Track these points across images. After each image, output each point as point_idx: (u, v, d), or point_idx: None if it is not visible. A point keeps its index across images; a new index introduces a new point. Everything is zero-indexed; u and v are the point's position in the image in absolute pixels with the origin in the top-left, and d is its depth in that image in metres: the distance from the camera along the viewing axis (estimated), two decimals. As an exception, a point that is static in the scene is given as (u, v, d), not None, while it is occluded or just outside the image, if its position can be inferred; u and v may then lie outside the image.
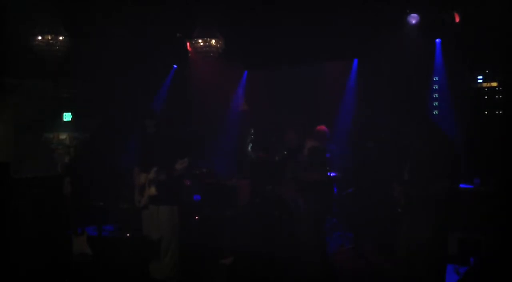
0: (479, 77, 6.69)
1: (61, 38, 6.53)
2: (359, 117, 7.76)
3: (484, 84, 6.66)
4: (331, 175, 5.71)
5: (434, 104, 7.05)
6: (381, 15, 6.72)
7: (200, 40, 6.98)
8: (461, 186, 5.71)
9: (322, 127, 5.65)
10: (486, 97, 6.64)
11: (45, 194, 5.96)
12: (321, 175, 5.14)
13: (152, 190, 5.08)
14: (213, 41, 6.97)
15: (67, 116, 9.24)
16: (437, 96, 7.09)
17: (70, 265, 5.35)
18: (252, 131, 9.04)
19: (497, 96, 6.57)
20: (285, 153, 5.52)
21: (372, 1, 6.52)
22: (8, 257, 5.49)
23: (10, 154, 6.37)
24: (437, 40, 7.06)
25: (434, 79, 7.12)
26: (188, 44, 8.42)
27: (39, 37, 6.46)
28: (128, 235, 6.72)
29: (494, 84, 6.60)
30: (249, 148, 9.00)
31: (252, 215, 7.41)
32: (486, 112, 6.61)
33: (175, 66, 9.65)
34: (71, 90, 9.20)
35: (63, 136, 9.16)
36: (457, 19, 6.46)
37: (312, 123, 6.46)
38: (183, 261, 5.29)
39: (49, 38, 6.46)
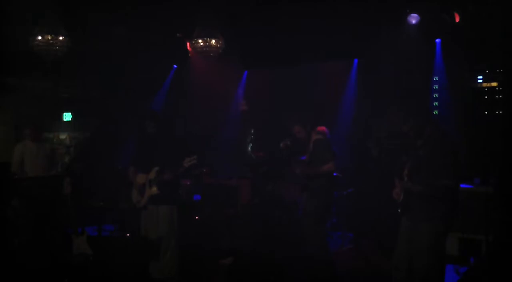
0: (479, 77, 6.68)
1: (61, 38, 6.53)
2: (359, 117, 7.76)
3: (484, 84, 6.66)
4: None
5: (434, 104, 7.05)
6: (381, 15, 6.73)
7: (200, 40, 6.99)
8: (461, 186, 5.71)
9: (322, 128, 5.65)
10: (486, 97, 6.64)
11: (45, 194, 5.96)
12: (331, 166, 5.12)
13: (154, 190, 5.08)
14: (213, 41, 6.97)
15: (67, 116, 9.25)
16: (437, 96, 7.09)
17: (70, 265, 5.35)
18: (252, 131, 9.05)
19: (497, 96, 6.57)
20: (287, 146, 5.46)
21: (373, 1, 6.52)
22: (8, 257, 5.49)
23: (10, 154, 6.38)
24: (437, 40, 7.06)
25: (434, 79, 7.12)
26: (188, 44, 8.42)
27: (39, 37, 6.46)
28: (128, 235, 6.72)
29: (494, 84, 6.59)
30: (249, 148, 9.00)
31: (252, 215, 7.41)
32: (486, 112, 6.61)
33: (175, 66, 9.65)
34: (71, 90, 9.21)
35: (63, 136, 9.17)
36: (457, 19, 6.46)
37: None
38: (183, 261, 5.30)
39: (49, 38, 6.46)
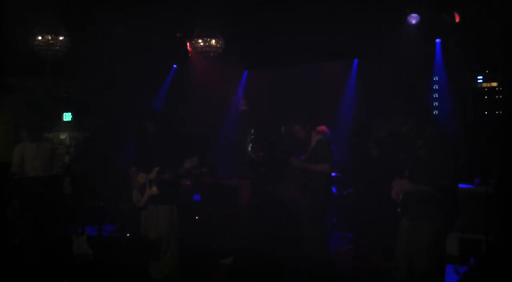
0: (479, 77, 6.69)
1: (61, 38, 6.54)
2: (359, 117, 7.76)
3: (484, 84, 6.66)
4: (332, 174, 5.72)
5: (434, 104, 7.05)
6: (381, 15, 6.72)
7: (200, 40, 7.00)
8: (461, 186, 5.71)
9: (322, 127, 5.66)
10: (486, 97, 6.64)
11: (45, 194, 5.96)
12: (327, 167, 5.13)
13: (153, 190, 5.09)
14: (213, 41, 6.98)
15: (67, 116, 9.25)
16: (437, 96, 7.09)
17: (70, 265, 5.35)
18: (252, 131, 9.05)
19: (497, 96, 6.57)
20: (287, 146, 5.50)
21: (373, 1, 6.52)
22: (8, 257, 5.49)
23: (10, 154, 6.38)
24: (437, 40, 7.06)
25: (434, 79, 7.12)
26: (188, 44, 8.43)
27: (39, 37, 6.46)
28: (128, 235, 6.72)
29: (494, 84, 6.60)
30: (249, 148, 9.01)
31: (252, 215, 7.41)
32: (486, 112, 6.61)
33: (175, 66, 9.65)
34: (71, 90, 9.21)
35: (63, 136, 9.17)
36: (457, 19, 6.46)
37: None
38: (183, 261, 5.30)
39: (49, 38, 6.47)
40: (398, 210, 4.02)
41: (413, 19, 6.73)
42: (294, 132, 5.36)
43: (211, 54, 7.07)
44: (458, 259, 5.68)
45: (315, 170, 5.13)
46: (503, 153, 5.82)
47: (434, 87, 7.12)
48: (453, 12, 6.44)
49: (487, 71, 6.64)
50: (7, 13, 6.25)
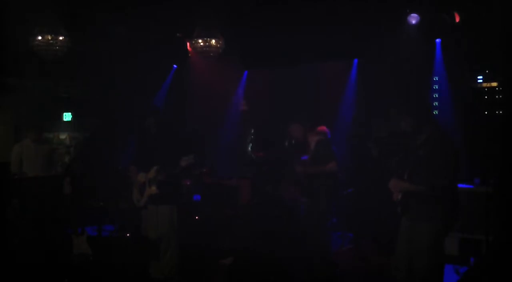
0: (479, 77, 6.69)
1: (61, 38, 6.54)
2: (359, 117, 7.76)
3: (484, 84, 6.66)
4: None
5: (434, 104, 7.05)
6: (381, 15, 6.72)
7: (200, 40, 7.00)
8: (461, 186, 5.71)
9: (323, 127, 5.66)
10: (486, 97, 6.64)
11: (45, 194, 5.96)
12: (334, 165, 5.13)
13: (153, 189, 5.09)
14: (213, 41, 6.98)
15: (67, 116, 9.25)
16: (437, 96, 7.09)
17: (70, 265, 5.35)
18: (252, 131, 9.05)
19: (497, 96, 6.57)
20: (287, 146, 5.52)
21: (373, 1, 6.52)
22: (8, 257, 5.49)
23: (10, 154, 6.39)
24: (437, 40, 7.06)
25: (434, 79, 7.12)
26: (188, 44, 8.43)
27: (39, 37, 6.46)
28: (128, 235, 6.72)
29: (494, 84, 6.59)
30: (249, 148, 9.01)
31: (252, 215, 7.41)
32: (486, 112, 6.61)
33: (175, 66, 9.66)
34: (71, 90, 9.21)
35: (63, 136, 9.17)
36: (457, 19, 6.46)
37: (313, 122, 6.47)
38: (183, 261, 5.30)
39: (49, 38, 6.47)
40: (398, 210, 4.02)
41: (413, 19, 6.72)
42: (294, 133, 5.36)
43: (211, 54, 7.07)
44: (458, 259, 5.68)
45: (323, 172, 5.13)
46: (503, 153, 5.81)
47: (434, 87, 7.12)
48: (453, 12, 6.44)
49: (487, 71, 6.64)
50: (7, 13, 6.25)
